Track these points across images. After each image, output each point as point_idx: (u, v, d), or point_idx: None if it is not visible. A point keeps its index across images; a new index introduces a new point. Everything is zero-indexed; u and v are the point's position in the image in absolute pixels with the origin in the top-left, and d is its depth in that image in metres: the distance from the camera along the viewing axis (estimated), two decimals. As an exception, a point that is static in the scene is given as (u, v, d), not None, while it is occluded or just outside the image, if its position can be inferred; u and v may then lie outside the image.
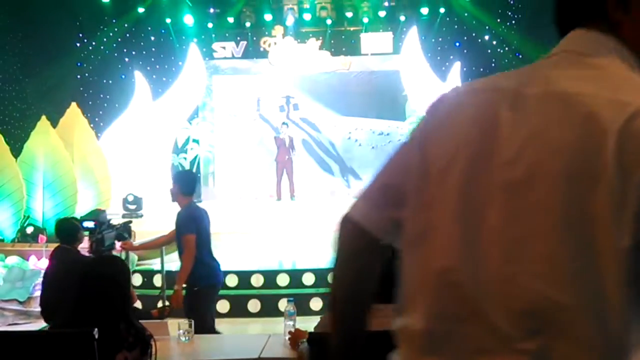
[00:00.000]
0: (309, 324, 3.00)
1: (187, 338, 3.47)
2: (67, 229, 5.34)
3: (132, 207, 11.30)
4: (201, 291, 4.80)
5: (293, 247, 9.83)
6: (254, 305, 7.13)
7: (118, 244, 5.50)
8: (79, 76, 13.00)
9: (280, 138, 13.63)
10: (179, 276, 4.86)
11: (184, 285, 4.89)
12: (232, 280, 7.53)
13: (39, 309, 5.33)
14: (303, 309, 5.71)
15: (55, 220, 6.06)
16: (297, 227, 11.42)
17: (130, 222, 6.02)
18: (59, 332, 2.78)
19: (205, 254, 4.91)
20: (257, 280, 7.54)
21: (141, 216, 11.28)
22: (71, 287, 4.79)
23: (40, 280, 6.14)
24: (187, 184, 5.09)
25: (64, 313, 2.85)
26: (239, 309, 7.11)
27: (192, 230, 4.85)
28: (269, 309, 6.94)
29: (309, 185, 14.41)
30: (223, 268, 8.18)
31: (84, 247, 5.41)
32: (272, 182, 13.87)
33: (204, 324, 4.53)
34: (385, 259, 2.56)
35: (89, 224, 5.38)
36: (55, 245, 8.35)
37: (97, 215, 5.76)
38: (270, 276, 7.56)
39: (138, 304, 7.16)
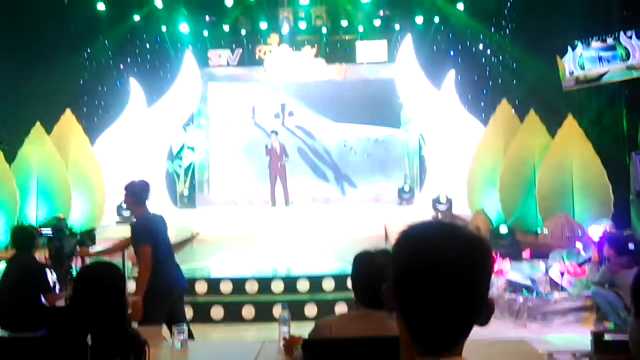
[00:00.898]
0: (303, 330, 3.01)
1: (181, 345, 3.47)
2: (23, 236, 5.28)
3: (127, 213, 11.28)
4: (152, 296, 4.76)
5: (288, 254, 9.84)
6: (248, 312, 7.12)
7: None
8: (74, 83, 13.00)
9: (270, 147, 13.63)
10: (137, 288, 4.81)
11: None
12: (226, 287, 7.52)
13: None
14: (298, 315, 5.71)
15: (11, 227, 6.01)
16: (292, 234, 11.44)
17: (94, 229, 5.99)
18: (53, 338, 2.78)
19: (163, 262, 4.85)
20: (251, 287, 7.53)
21: (136, 223, 11.27)
22: (23, 294, 4.81)
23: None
24: (139, 193, 4.96)
25: (58, 319, 2.85)
26: (233, 316, 7.10)
27: (147, 242, 4.76)
28: (264, 316, 6.93)
29: (304, 192, 14.43)
30: (218, 274, 8.24)
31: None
32: (267, 189, 13.89)
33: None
34: (376, 266, 2.59)
35: (47, 232, 5.32)
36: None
37: (55, 223, 5.72)
38: (265, 283, 7.56)
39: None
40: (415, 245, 1.16)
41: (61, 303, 5.30)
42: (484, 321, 1.16)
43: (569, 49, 9.93)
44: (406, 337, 1.17)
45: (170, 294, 4.88)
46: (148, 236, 4.80)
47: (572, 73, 9.98)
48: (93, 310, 2.69)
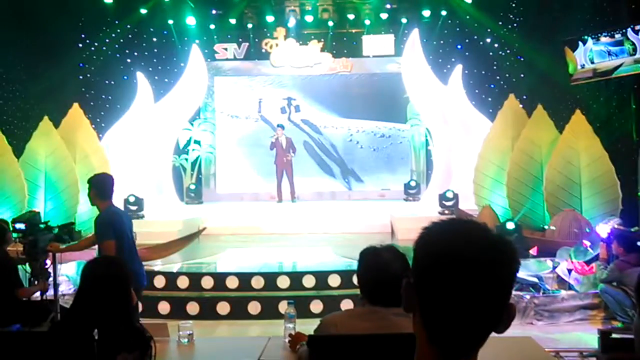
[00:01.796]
0: (309, 326, 3.00)
1: (187, 340, 3.47)
2: None
3: (134, 207, 11.31)
4: None
5: (293, 249, 9.84)
6: (254, 307, 7.11)
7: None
8: (81, 77, 13.02)
9: (276, 141, 13.60)
10: None
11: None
12: (232, 282, 7.52)
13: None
14: (303, 311, 5.70)
15: None
16: (297, 229, 11.43)
17: (72, 224, 5.95)
18: (59, 332, 2.78)
19: (127, 257, 4.75)
20: (257, 282, 7.53)
21: (142, 217, 11.30)
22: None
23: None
24: (103, 187, 4.90)
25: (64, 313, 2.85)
26: (239, 311, 7.10)
27: (110, 237, 4.72)
28: (269, 311, 6.92)
29: (309, 186, 14.42)
30: (224, 269, 8.24)
31: None
32: (273, 184, 13.88)
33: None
34: (382, 262, 2.58)
35: (20, 226, 5.29)
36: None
37: (29, 217, 5.67)
38: (270, 278, 7.55)
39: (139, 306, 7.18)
40: (440, 242, 1.13)
41: (36, 297, 5.30)
42: (503, 327, 1.13)
43: (580, 43, 9.87)
44: (424, 339, 1.15)
45: (135, 289, 4.86)
46: (111, 230, 4.75)
47: (583, 66, 9.92)
48: (99, 304, 2.69)
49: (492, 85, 13.37)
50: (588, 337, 6.01)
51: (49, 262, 5.42)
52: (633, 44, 9.43)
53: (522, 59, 13.01)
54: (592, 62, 9.86)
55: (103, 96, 13.21)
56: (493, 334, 1.14)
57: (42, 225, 5.48)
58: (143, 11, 13.59)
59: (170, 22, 14.10)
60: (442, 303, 1.11)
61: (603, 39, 9.71)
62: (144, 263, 7.97)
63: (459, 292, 1.09)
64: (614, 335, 4.35)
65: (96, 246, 4.98)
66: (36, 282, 5.27)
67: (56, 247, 5.37)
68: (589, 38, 9.81)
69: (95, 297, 2.71)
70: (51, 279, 5.51)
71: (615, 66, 9.61)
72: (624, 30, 9.49)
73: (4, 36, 11.36)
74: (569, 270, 7.07)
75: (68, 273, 7.30)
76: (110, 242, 4.71)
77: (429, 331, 1.13)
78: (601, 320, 6.73)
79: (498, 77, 13.41)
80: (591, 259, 7.23)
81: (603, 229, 7.58)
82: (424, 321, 1.14)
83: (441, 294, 1.11)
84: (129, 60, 13.87)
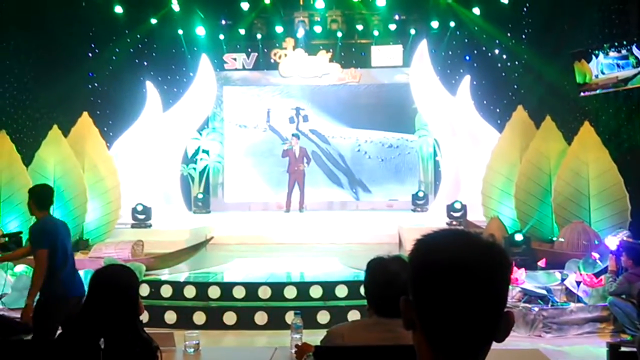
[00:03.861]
0: (315, 337, 2.99)
1: (193, 350, 3.46)
2: None
3: (141, 216, 11.34)
4: (47, 302, 4.74)
5: (301, 259, 9.82)
6: (260, 318, 7.09)
7: None
8: (90, 86, 13.10)
9: (289, 150, 13.59)
10: (29, 291, 4.78)
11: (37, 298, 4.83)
12: (239, 292, 7.50)
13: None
14: (310, 322, 5.69)
15: None
16: (305, 239, 11.42)
17: (20, 233, 5.97)
18: (66, 341, 2.78)
19: (59, 267, 4.80)
20: (264, 293, 7.51)
21: (150, 226, 11.32)
22: None
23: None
24: (41, 198, 4.96)
25: (71, 322, 2.84)
26: (245, 321, 7.08)
27: (43, 245, 4.74)
28: (276, 322, 6.90)
29: (317, 196, 14.41)
30: (231, 279, 8.23)
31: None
32: (281, 193, 13.88)
33: (48, 335, 4.49)
34: (390, 273, 2.57)
35: None
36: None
37: None
38: (277, 288, 7.53)
39: (145, 315, 7.18)
40: (434, 251, 1.15)
41: None
42: (502, 336, 1.14)
43: (593, 55, 9.88)
44: (425, 353, 1.15)
45: (64, 300, 4.79)
46: (45, 240, 4.78)
47: (597, 76, 9.92)
48: (107, 313, 2.69)
49: (500, 97, 13.35)
50: (597, 350, 5.96)
51: None
52: (637, 58, 9.44)
53: (530, 71, 12.99)
54: (603, 74, 9.86)
55: (112, 105, 13.28)
56: (502, 347, 1.14)
57: None
58: (153, 21, 13.68)
59: (180, 32, 14.18)
60: (442, 312, 1.11)
61: (612, 54, 9.73)
62: (150, 272, 8.03)
63: (458, 298, 1.10)
64: (622, 349, 4.30)
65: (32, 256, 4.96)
66: None
67: None
68: (600, 52, 9.83)
69: (101, 305, 2.71)
70: None
71: (630, 76, 9.61)
72: (629, 47, 9.53)
73: (14, 45, 11.46)
74: (578, 283, 7.01)
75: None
76: (43, 250, 4.75)
77: (431, 343, 1.13)
78: (610, 333, 6.68)
79: (506, 89, 13.39)
80: (600, 271, 7.18)
81: (612, 241, 7.53)
82: (426, 333, 1.14)
83: (440, 302, 1.11)
84: (138, 70, 13.95)
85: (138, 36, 13.74)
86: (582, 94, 10.20)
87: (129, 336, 2.68)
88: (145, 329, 2.81)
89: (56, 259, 4.79)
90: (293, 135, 13.85)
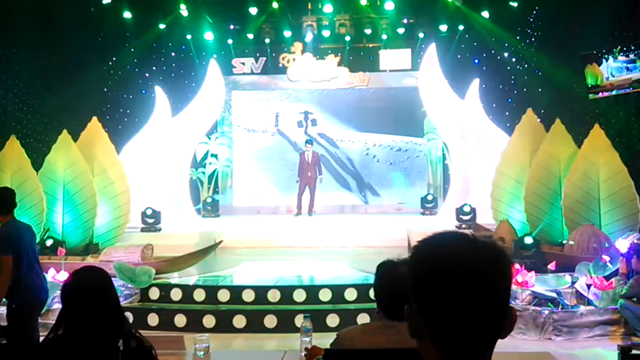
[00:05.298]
0: (325, 340, 2.99)
1: (203, 353, 3.47)
2: None
3: (151, 220, 11.38)
4: (20, 309, 4.71)
5: (310, 263, 9.82)
6: (270, 321, 7.09)
7: None
8: (100, 91, 13.16)
9: (301, 155, 13.58)
10: None
11: (6, 303, 4.81)
12: (248, 296, 7.51)
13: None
14: (319, 325, 5.68)
15: None
16: (314, 242, 11.42)
17: None
18: (50, 351, 2.64)
19: (25, 272, 4.74)
20: (273, 296, 7.51)
21: (159, 230, 11.35)
22: None
23: (58, 292, 6.14)
24: (4, 202, 4.85)
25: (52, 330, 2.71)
26: (255, 325, 7.08)
27: (7, 252, 4.64)
28: (286, 325, 6.90)
29: (326, 200, 14.41)
30: (240, 282, 8.24)
31: None
32: (290, 197, 13.88)
33: (28, 341, 4.49)
34: (399, 276, 2.57)
35: None
36: (75, 257, 8.41)
37: None
38: (287, 292, 7.53)
39: (155, 319, 7.19)
40: (434, 254, 1.16)
41: None
42: (506, 331, 1.15)
43: (603, 58, 9.86)
44: (435, 357, 1.15)
45: (36, 303, 4.82)
46: (9, 246, 4.69)
47: (607, 79, 9.90)
48: (83, 317, 2.54)
49: (510, 100, 13.33)
50: (608, 353, 5.93)
51: None
52: None
53: (539, 74, 12.95)
54: (613, 76, 9.84)
55: (121, 110, 13.35)
56: (513, 350, 1.14)
57: None
58: (162, 26, 13.76)
59: (189, 37, 14.25)
60: (446, 315, 1.12)
61: (621, 58, 9.72)
62: (160, 276, 8.04)
63: (461, 299, 1.11)
64: (634, 352, 4.28)
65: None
66: None
67: None
68: (610, 55, 9.82)
69: (79, 310, 2.56)
70: None
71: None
72: (637, 52, 9.51)
73: (24, 51, 11.55)
74: (588, 286, 6.98)
75: None
76: (7, 257, 4.66)
77: (439, 348, 1.14)
78: (621, 336, 6.63)
79: (516, 92, 13.36)
80: (610, 274, 7.13)
81: (622, 244, 7.48)
82: (433, 339, 1.14)
83: (444, 306, 1.12)
84: (147, 75, 14.02)
85: (147, 41, 13.80)
86: (596, 95, 10.19)
87: (122, 337, 2.56)
88: (155, 332, 2.75)
89: (21, 265, 4.71)
90: (307, 142, 13.77)
